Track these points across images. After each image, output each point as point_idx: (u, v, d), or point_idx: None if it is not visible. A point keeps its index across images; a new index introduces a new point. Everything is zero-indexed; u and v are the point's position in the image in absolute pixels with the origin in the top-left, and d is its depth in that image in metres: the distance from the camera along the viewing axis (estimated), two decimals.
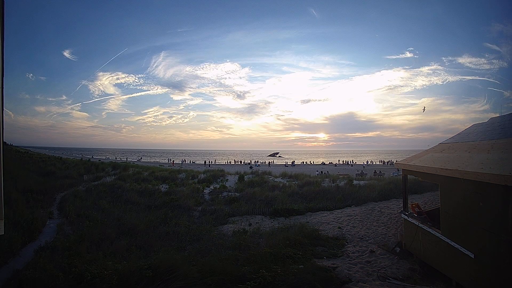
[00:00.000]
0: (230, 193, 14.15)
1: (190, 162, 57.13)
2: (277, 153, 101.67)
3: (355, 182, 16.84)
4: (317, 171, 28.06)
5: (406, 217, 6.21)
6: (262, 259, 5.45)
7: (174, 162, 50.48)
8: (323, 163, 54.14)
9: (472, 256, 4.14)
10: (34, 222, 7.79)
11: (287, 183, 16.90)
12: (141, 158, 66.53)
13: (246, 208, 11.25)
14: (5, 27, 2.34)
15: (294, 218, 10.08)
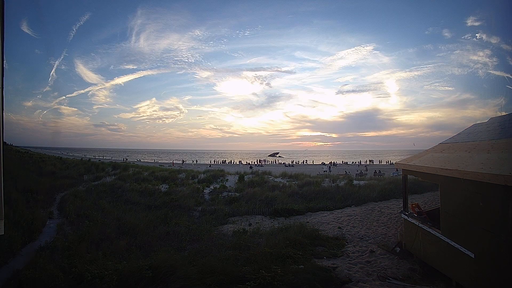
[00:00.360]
0: (230, 193, 14.15)
1: (193, 162, 55.89)
2: (277, 153, 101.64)
3: (355, 182, 16.84)
4: (324, 169, 28.11)
5: (406, 217, 6.21)
6: (262, 259, 5.45)
7: (174, 162, 50.51)
8: (323, 163, 54.12)
9: (472, 256, 4.13)
10: (34, 222, 7.78)
11: (287, 183, 16.90)
12: (126, 159, 57.93)
13: (246, 208, 11.26)
14: (5, 27, 2.34)
15: (294, 218, 10.09)
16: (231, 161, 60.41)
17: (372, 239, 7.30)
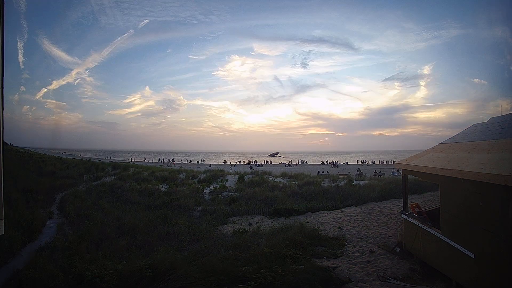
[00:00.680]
0: (230, 193, 14.15)
1: (200, 162, 54.63)
2: (277, 153, 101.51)
3: (355, 182, 16.85)
4: (323, 170, 28.03)
5: (406, 217, 6.21)
6: (262, 259, 5.45)
7: (175, 162, 50.52)
8: (322, 163, 54.14)
9: (472, 256, 4.14)
10: (34, 222, 7.78)
11: (287, 183, 16.91)
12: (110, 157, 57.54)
13: (246, 208, 11.26)
14: (5, 27, 2.34)
15: (294, 218, 10.09)
16: (239, 161, 58.47)
17: (372, 239, 7.30)
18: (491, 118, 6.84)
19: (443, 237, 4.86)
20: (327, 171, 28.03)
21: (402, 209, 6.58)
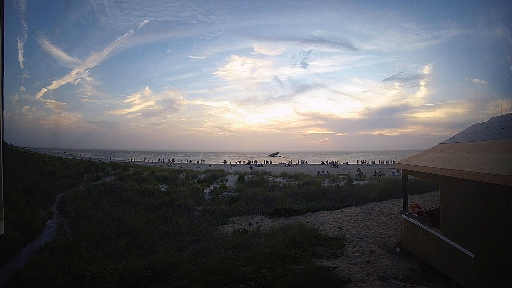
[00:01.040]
0: (230, 193, 14.15)
1: (198, 162, 54.81)
2: (277, 153, 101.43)
3: (355, 182, 16.86)
4: (322, 170, 28.03)
5: (406, 217, 6.21)
6: (262, 259, 5.45)
7: (175, 162, 50.53)
8: (322, 163, 54.13)
9: (472, 256, 4.14)
10: (34, 222, 7.78)
11: (287, 183, 16.91)
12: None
13: (246, 208, 11.26)
14: (5, 27, 2.34)
15: (294, 218, 10.09)
16: (239, 161, 58.59)
17: (372, 239, 7.30)
18: (491, 118, 6.84)
19: (443, 237, 4.86)
20: (327, 171, 28.03)
21: (402, 209, 6.59)
